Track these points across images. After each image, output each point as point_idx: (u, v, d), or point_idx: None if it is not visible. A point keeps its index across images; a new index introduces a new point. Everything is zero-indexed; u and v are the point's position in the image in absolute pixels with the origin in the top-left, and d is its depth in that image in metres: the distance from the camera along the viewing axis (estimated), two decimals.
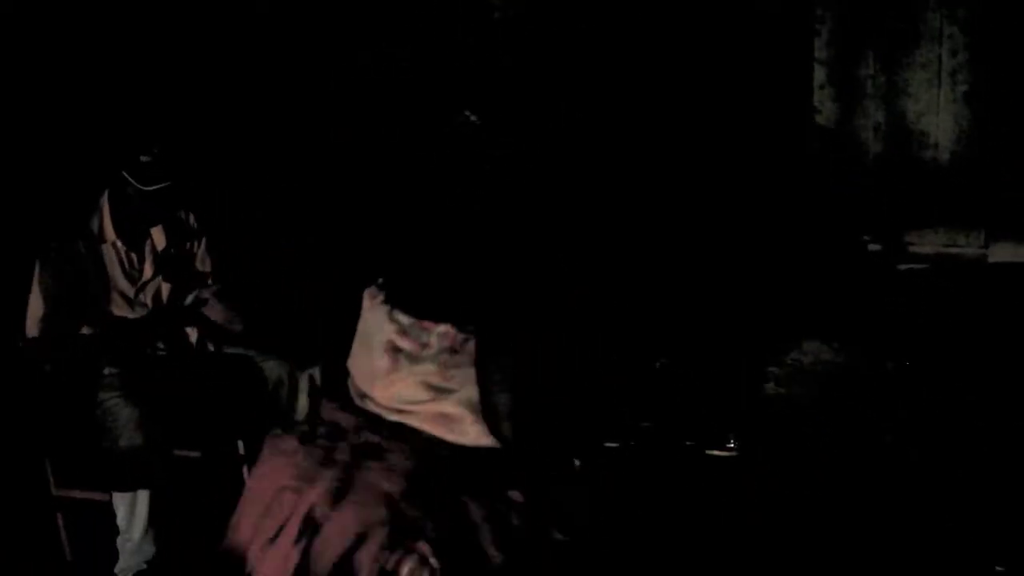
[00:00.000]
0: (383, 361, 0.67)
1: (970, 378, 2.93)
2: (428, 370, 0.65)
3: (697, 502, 2.48)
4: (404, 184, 3.80)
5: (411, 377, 0.66)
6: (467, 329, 0.65)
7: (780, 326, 3.28)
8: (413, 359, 0.66)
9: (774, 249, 3.44)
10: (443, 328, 0.65)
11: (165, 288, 2.89)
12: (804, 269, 3.40)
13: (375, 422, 0.69)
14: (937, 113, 3.88)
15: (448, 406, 0.66)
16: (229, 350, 2.91)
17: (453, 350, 0.65)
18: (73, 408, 2.70)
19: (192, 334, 2.91)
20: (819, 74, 4.09)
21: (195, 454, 2.83)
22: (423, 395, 0.66)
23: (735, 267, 3.21)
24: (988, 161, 3.78)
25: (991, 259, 3.71)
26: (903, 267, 3.70)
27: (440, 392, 0.66)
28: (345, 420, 0.71)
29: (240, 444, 2.93)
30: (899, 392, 2.93)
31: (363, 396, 0.71)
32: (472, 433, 0.66)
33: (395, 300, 0.69)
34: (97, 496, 2.64)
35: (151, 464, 2.64)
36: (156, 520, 2.58)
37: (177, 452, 2.76)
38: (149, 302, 2.84)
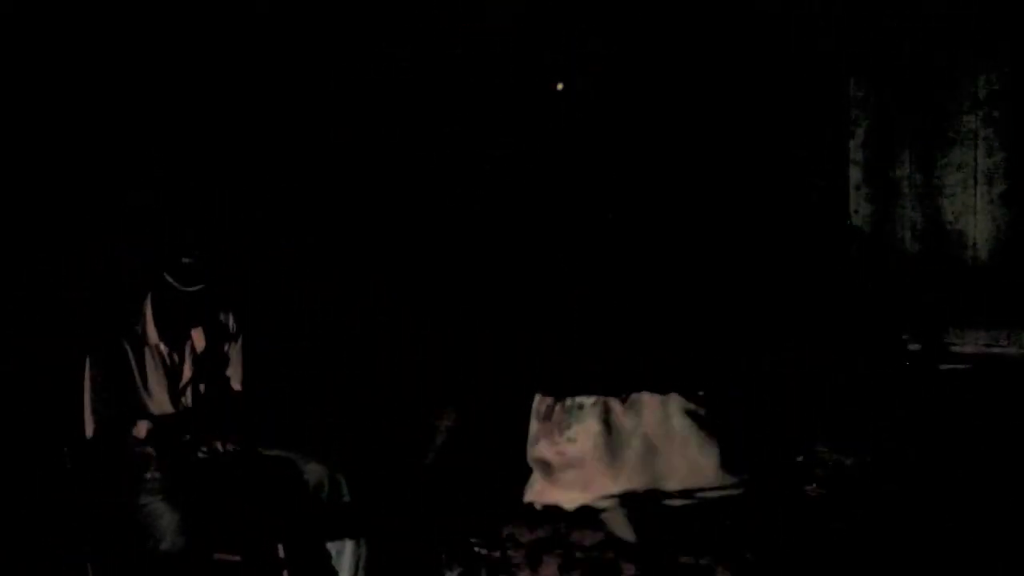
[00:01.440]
0: None
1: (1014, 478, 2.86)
2: None
3: None
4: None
5: None
6: None
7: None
8: None
9: (815, 351, 3.43)
10: None
11: (203, 389, 2.94)
12: (845, 370, 3.39)
13: None
14: (974, 214, 3.90)
15: None
16: (269, 452, 2.95)
17: None
18: (118, 510, 2.73)
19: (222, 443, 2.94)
20: (855, 175, 4.14)
21: (235, 558, 2.84)
22: None
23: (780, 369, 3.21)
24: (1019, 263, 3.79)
25: None
26: (945, 367, 3.67)
27: None
28: None
29: (280, 548, 2.93)
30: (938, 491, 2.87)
31: None
32: None
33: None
34: None
35: (192, 568, 2.66)
36: None
37: (217, 556, 2.77)
38: (190, 403, 2.90)
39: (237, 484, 2.80)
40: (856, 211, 4.11)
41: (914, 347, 3.81)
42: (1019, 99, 3.73)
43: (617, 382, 2.11)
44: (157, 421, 2.82)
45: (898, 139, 4.04)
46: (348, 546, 2.82)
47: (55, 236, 3.40)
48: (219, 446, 2.86)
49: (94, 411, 2.78)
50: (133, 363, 2.79)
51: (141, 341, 2.83)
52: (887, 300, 3.92)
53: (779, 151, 3.87)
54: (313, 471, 2.83)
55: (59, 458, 2.76)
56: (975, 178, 3.89)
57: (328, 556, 2.84)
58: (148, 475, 2.71)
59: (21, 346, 3.18)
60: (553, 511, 2.02)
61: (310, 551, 2.83)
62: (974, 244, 3.92)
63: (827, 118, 4.25)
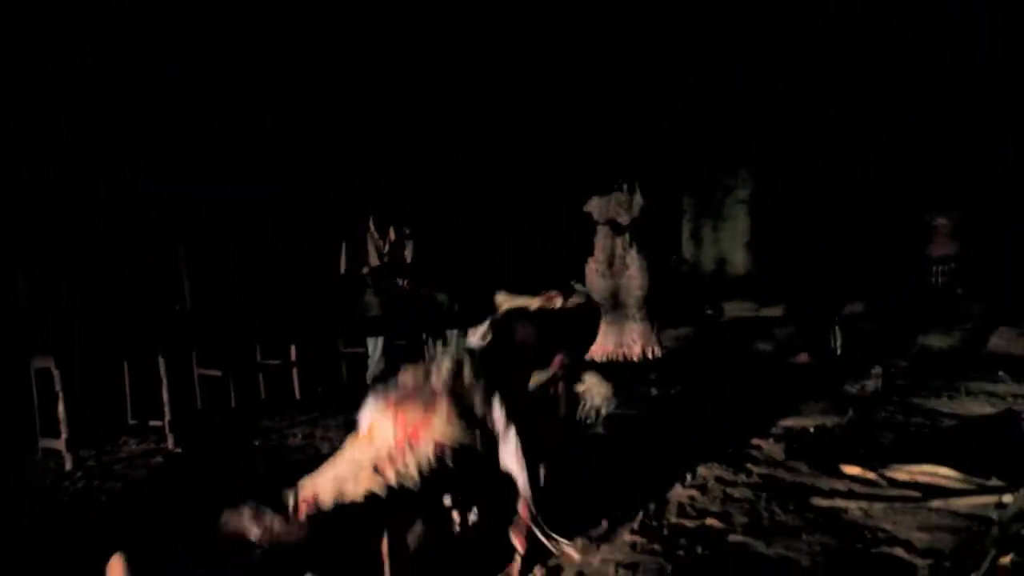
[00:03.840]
0: None
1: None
2: None
3: None
4: None
5: None
6: None
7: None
8: None
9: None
10: None
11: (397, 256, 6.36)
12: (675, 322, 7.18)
13: None
14: (736, 253, 8.11)
15: None
16: (423, 289, 6.35)
17: None
18: (357, 300, 6.05)
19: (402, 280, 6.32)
20: (685, 235, 8.32)
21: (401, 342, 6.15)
22: None
23: None
24: (757, 275, 7.96)
25: (761, 315, 7.72)
26: (723, 320, 7.63)
27: None
28: None
29: (424, 336, 6.28)
30: None
31: None
32: None
33: None
34: (359, 349, 5.87)
35: (384, 326, 5.98)
36: (385, 351, 5.82)
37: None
38: (386, 261, 6.30)
39: (407, 298, 6.16)
40: (686, 252, 8.25)
41: (709, 312, 7.78)
42: (754, 203, 8.08)
43: None
44: (372, 269, 6.20)
45: (703, 218, 8.29)
46: (455, 333, 6.18)
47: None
48: (400, 282, 6.24)
49: (346, 259, 6.13)
50: (364, 242, 6.21)
51: (367, 233, 6.26)
52: (698, 291, 7.94)
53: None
54: (442, 296, 6.22)
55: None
56: (736, 236, 8.14)
57: (445, 337, 6.18)
58: (368, 288, 6.06)
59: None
60: None
61: (435, 334, 6.17)
62: (735, 266, 8.10)
63: (673, 212, 8.43)
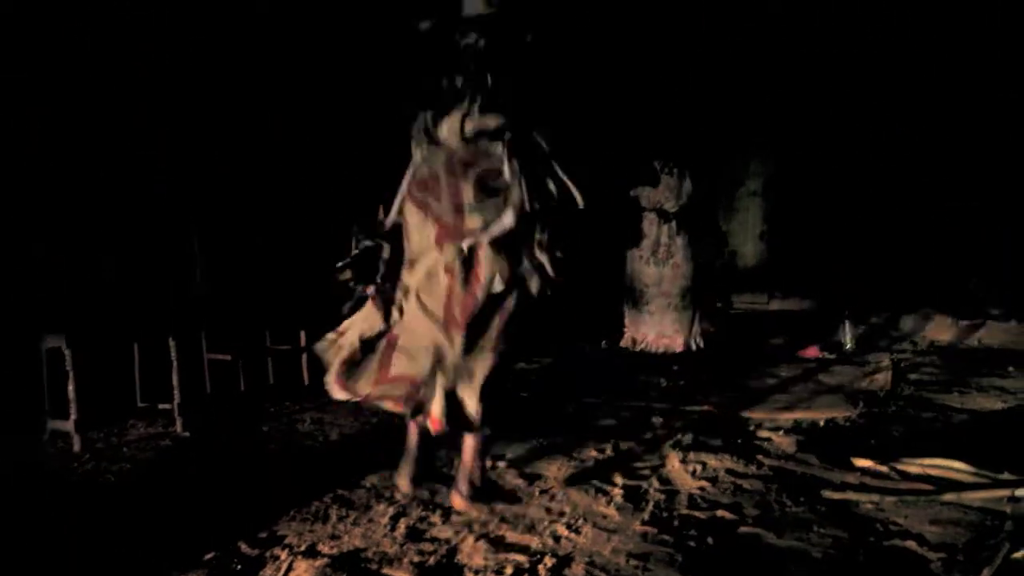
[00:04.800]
0: None
1: None
2: None
3: None
4: None
5: None
6: None
7: None
8: None
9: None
10: None
11: None
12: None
13: None
14: (746, 244, 8.08)
15: None
16: None
17: None
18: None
19: None
20: None
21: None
22: None
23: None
24: (769, 265, 7.92)
25: (771, 308, 7.69)
26: (732, 311, 7.61)
27: None
28: None
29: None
30: None
31: None
32: None
33: None
34: None
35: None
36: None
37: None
38: None
39: None
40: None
41: (719, 304, 7.76)
42: (765, 195, 8.03)
43: None
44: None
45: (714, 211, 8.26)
46: None
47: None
48: None
49: (357, 248, 6.13)
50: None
51: (378, 221, 6.26)
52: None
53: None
54: None
55: None
56: (747, 228, 8.10)
57: None
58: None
59: None
60: None
61: None
62: (745, 258, 8.07)
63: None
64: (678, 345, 6.04)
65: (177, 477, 3.25)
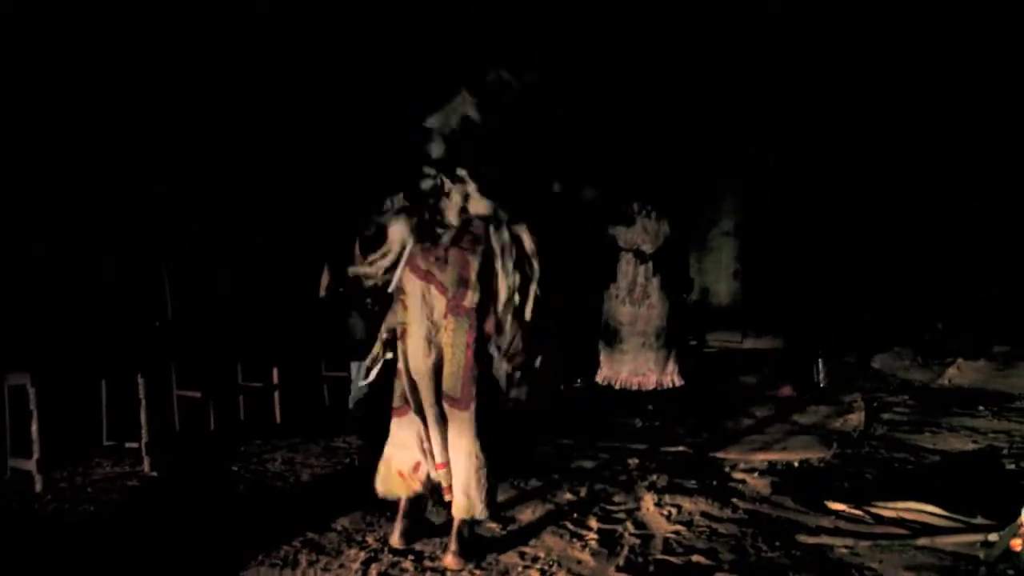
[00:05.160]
0: None
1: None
2: None
3: None
4: None
5: None
6: None
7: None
8: None
9: None
10: None
11: None
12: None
13: None
14: (719, 283, 8.15)
15: None
16: None
17: None
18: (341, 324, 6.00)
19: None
20: None
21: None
22: None
23: None
24: (743, 303, 7.99)
25: (744, 346, 7.73)
26: (706, 350, 7.64)
27: None
28: None
29: None
30: None
31: None
32: None
33: None
34: (342, 373, 5.82)
35: (367, 350, 5.91)
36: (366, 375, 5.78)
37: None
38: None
39: None
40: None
41: (693, 342, 7.79)
42: (737, 235, 8.14)
43: None
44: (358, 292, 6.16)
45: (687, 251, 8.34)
46: None
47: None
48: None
49: (331, 284, 6.10)
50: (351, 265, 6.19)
51: (352, 256, 6.24)
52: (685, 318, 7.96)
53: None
54: None
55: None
56: (720, 267, 8.18)
57: None
58: (352, 311, 6.03)
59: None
60: None
61: None
62: (719, 296, 8.13)
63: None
64: (651, 383, 6.04)
65: (143, 519, 3.17)
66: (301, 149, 6.90)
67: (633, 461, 3.91)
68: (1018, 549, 2.44)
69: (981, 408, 5.22)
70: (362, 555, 2.68)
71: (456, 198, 2.65)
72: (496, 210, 2.62)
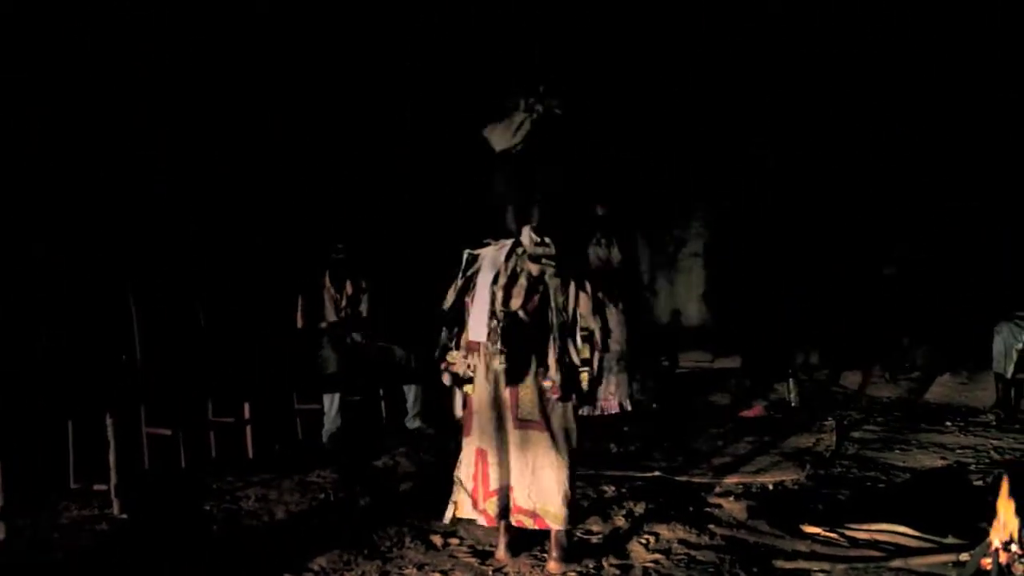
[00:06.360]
0: None
1: None
2: None
3: None
4: None
5: None
6: None
7: None
8: None
9: None
10: None
11: (350, 311, 6.28)
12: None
13: None
14: (689, 303, 8.24)
15: None
16: (379, 342, 6.27)
17: None
18: (313, 356, 5.94)
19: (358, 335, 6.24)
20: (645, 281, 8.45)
21: (357, 398, 6.04)
22: None
23: None
24: (713, 323, 8.08)
25: (716, 366, 7.81)
26: (678, 371, 7.70)
27: None
28: None
29: (380, 391, 6.18)
30: None
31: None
32: None
33: None
34: (315, 406, 5.75)
35: (340, 383, 5.88)
36: (341, 407, 5.70)
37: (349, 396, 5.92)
38: (344, 316, 6.23)
39: (362, 354, 6.07)
40: (648, 301, 8.37)
41: (665, 363, 7.85)
42: (705, 259, 8.24)
43: None
44: (329, 324, 6.11)
45: (657, 270, 8.43)
46: (413, 388, 6.10)
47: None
48: (355, 336, 6.15)
49: (303, 316, 6.03)
50: (322, 297, 6.13)
51: (322, 288, 6.19)
52: (654, 342, 8.01)
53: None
54: (398, 351, 6.15)
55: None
56: (691, 287, 8.28)
57: (403, 391, 6.09)
58: (324, 343, 5.97)
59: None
60: None
61: (392, 390, 6.07)
62: (690, 317, 8.21)
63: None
64: (614, 407, 6.05)
65: (114, 565, 3.10)
66: (269, 179, 6.87)
67: (609, 488, 3.92)
68: (988, 568, 2.48)
69: (948, 423, 5.32)
70: None
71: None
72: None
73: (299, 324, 6.17)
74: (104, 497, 3.83)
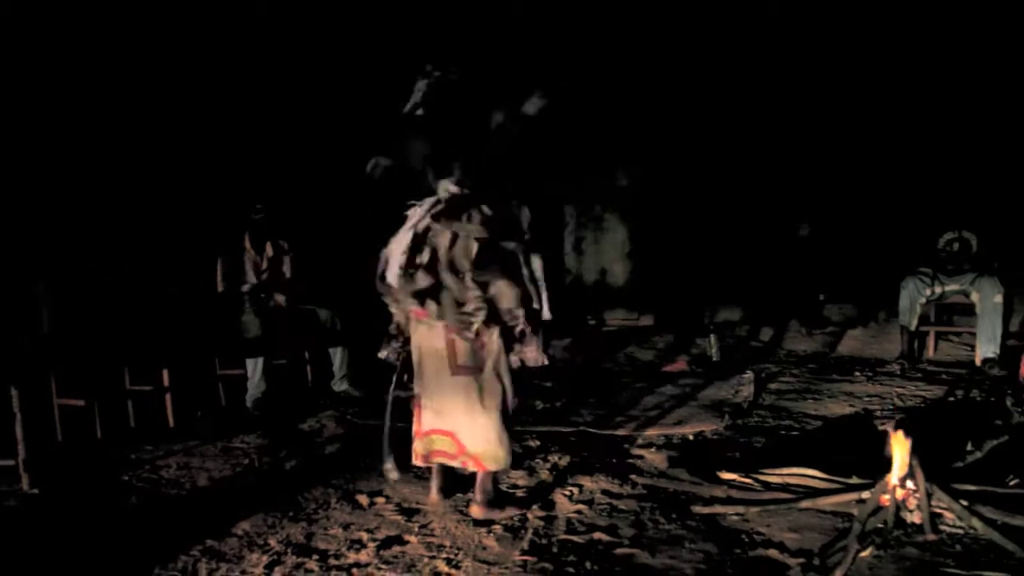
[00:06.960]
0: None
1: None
2: None
3: None
4: None
5: None
6: None
7: None
8: None
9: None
10: None
11: (271, 273, 6.15)
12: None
13: None
14: (616, 263, 8.36)
15: None
16: (302, 305, 6.16)
17: None
18: (234, 320, 5.80)
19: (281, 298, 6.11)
20: (567, 247, 8.49)
21: (282, 362, 5.95)
22: None
23: None
24: (639, 282, 8.23)
25: (641, 324, 7.98)
26: (605, 329, 7.82)
27: None
28: None
29: (306, 354, 6.09)
30: None
31: None
32: None
33: None
34: (238, 371, 5.63)
35: (263, 347, 5.77)
36: (265, 372, 5.60)
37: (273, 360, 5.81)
38: (265, 279, 6.09)
39: (285, 317, 5.96)
40: (568, 264, 8.41)
41: (592, 321, 7.96)
42: (631, 214, 8.35)
43: None
44: (251, 287, 5.96)
45: (584, 232, 8.49)
46: (339, 350, 6.02)
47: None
48: (278, 298, 6.02)
49: (223, 280, 5.86)
50: (242, 260, 5.96)
51: (242, 250, 6.02)
52: (581, 301, 8.10)
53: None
54: (323, 313, 6.05)
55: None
56: (616, 247, 8.38)
57: (329, 354, 6.01)
58: (246, 307, 5.83)
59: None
60: None
61: (318, 353, 5.99)
62: (616, 276, 8.34)
63: (557, 225, 8.57)
64: (542, 360, 6.13)
65: (23, 542, 2.99)
66: (179, 139, 6.61)
67: (534, 443, 3.98)
68: (887, 504, 2.63)
69: (858, 374, 5.57)
70: (264, 559, 2.62)
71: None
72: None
73: (219, 287, 5.99)
74: (12, 472, 3.68)
